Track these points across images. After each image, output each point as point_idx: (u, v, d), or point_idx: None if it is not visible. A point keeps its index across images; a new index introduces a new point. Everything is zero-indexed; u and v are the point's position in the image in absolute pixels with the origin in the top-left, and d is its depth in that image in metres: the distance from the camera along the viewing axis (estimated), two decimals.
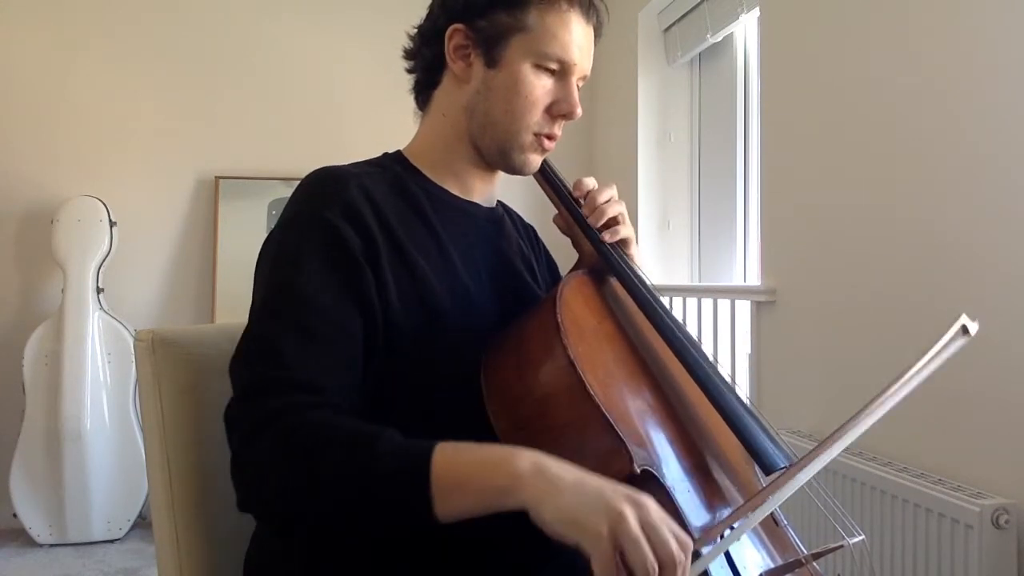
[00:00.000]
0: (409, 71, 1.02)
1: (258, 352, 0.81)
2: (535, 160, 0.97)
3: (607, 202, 1.00)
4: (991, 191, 1.52)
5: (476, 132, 0.96)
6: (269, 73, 3.49)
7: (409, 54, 1.02)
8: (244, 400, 0.80)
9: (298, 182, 0.92)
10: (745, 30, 2.74)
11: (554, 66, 0.93)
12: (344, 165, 0.95)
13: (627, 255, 1.01)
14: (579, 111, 0.95)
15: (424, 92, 1.01)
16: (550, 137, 0.96)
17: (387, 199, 0.91)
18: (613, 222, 1.00)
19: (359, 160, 0.99)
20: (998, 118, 1.50)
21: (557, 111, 0.94)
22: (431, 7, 0.98)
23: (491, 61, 0.93)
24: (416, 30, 1.01)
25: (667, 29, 3.12)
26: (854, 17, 1.91)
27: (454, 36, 0.94)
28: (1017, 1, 1.47)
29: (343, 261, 0.84)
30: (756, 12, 2.40)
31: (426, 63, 0.98)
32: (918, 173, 1.70)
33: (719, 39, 2.80)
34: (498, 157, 0.97)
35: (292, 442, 0.75)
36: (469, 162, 0.99)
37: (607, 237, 0.99)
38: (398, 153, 1.02)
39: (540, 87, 0.93)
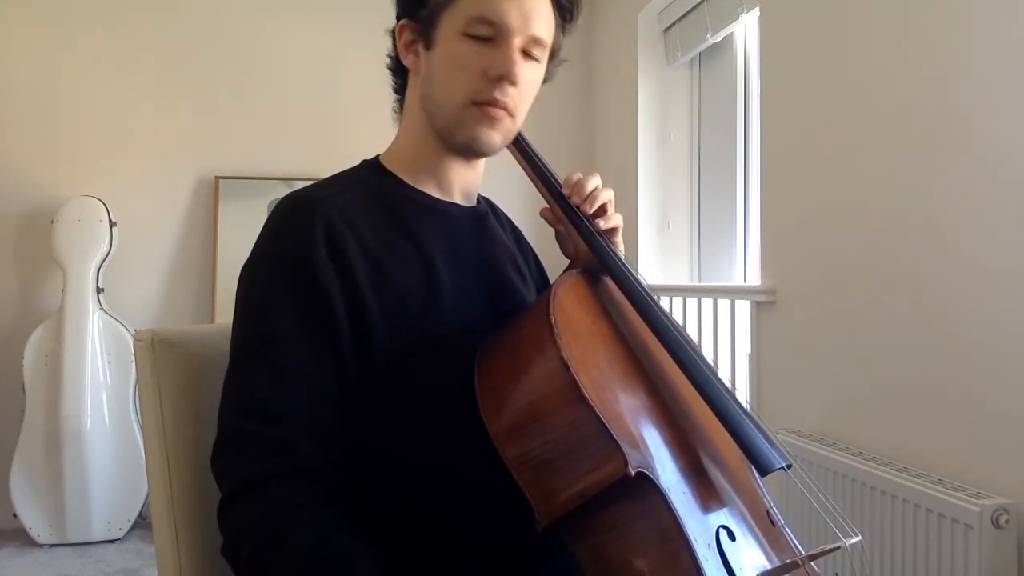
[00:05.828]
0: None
1: (239, 402, 0.83)
2: (485, 133, 0.91)
3: (595, 189, 0.98)
4: (991, 190, 1.52)
5: (432, 119, 0.94)
6: (269, 73, 3.48)
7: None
8: (226, 455, 0.82)
9: (298, 182, 0.91)
10: (745, 30, 2.74)
11: (485, 30, 0.88)
12: (316, 187, 0.93)
13: (615, 245, 1.00)
14: (516, 71, 0.88)
15: (400, 95, 1.01)
16: (492, 103, 0.89)
17: (364, 216, 0.90)
18: (603, 211, 0.98)
19: (337, 172, 0.98)
20: (998, 117, 1.50)
21: (493, 73, 0.88)
22: None
23: (428, 44, 0.92)
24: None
25: (667, 29, 3.12)
26: (854, 17, 1.91)
27: (402, 33, 0.94)
28: (1017, 1, 1.47)
29: (311, 301, 0.84)
30: (756, 12, 2.40)
31: (394, 66, 0.99)
32: (918, 172, 1.70)
33: (719, 39, 2.80)
34: (451, 139, 0.93)
35: (259, 529, 0.78)
36: (442, 156, 0.97)
37: (601, 224, 0.97)
38: (375, 160, 1.00)
39: (471, 53, 0.88)
